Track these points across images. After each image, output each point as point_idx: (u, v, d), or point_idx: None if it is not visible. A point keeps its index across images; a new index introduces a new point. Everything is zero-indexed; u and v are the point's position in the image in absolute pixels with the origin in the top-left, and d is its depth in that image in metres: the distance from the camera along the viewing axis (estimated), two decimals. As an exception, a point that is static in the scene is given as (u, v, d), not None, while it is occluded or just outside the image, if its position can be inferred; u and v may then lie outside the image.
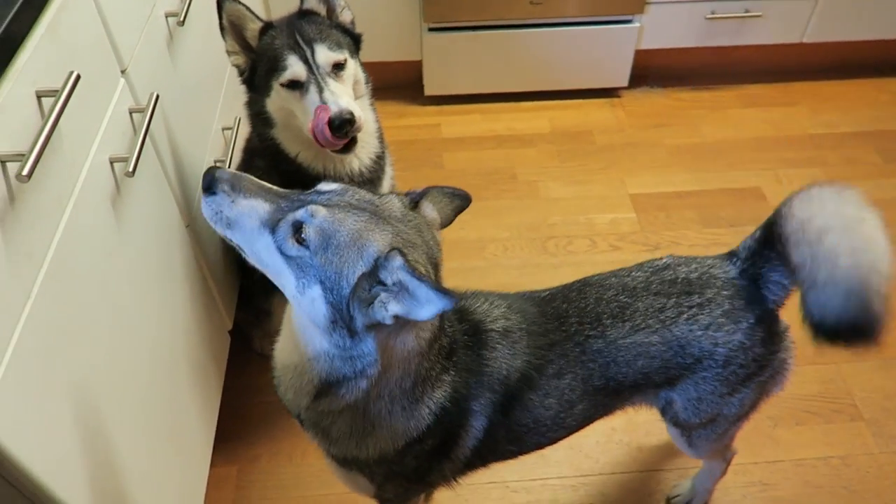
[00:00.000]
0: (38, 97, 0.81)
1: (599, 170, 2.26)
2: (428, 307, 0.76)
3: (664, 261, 1.11)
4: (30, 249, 0.79)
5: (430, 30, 2.28)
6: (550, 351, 1.04)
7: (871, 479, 1.54)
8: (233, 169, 1.50)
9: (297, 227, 0.80)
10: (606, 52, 2.38)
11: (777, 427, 1.62)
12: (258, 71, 1.20)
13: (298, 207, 0.82)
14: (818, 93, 2.54)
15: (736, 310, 1.04)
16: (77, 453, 0.87)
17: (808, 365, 1.73)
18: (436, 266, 0.87)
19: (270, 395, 1.66)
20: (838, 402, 1.66)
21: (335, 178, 1.28)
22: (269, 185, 0.88)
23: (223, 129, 1.57)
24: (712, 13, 2.32)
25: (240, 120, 1.64)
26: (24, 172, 0.72)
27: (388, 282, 0.78)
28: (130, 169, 0.98)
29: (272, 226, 0.82)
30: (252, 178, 0.88)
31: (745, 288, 1.05)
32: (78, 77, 0.83)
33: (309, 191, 0.87)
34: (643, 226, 2.08)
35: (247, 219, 0.84)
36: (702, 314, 1.03)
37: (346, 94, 1.15)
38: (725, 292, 1.05)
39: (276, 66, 1.15)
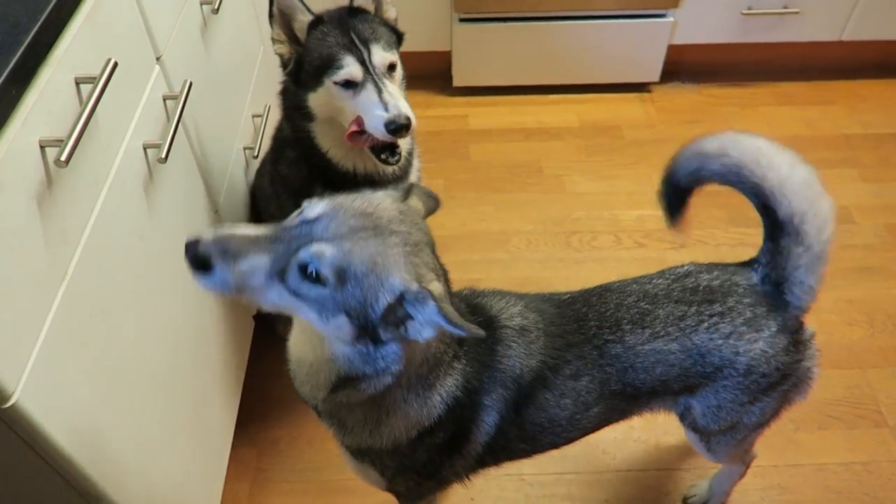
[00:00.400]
0: (77, 83, 0.83)
1: (627, 165, 2.24)
2: (458, 333, 0.79)
3: (686, 268, 1.10)
4: (65, 232, 0.81)
5: (461, 20, 2.27)
6: (568, 352, 1.04)
7: (894, 486, 1.52)
8: (259, 161, 1.53)
9: (304, 268, 0.78)
10: (638, 46, 2.36)
11: (799, 430, 1.60)
12: (305, 65, 1.19)
13: (297, 248, 0.78)
14: (856, 92, 2.49)
15: (758, 318, 1.03)
16: (104, 430, 0.90)
17: (832, 369, 1.71)
18: (433, 249, 0.87)
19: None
20: (863, 408, 1.64)
21: (365, 176, 1.29)
22: (255, 229, 0.82)
23: (253, 117, 1.59)
24: (749, 8, 2.27)
25: (269, 108, 1.66)
26: (63, 158, 0.74)
27: (420, 318, 0.79)
28: (163, 155, 1.00)
29: (280, 274, 0.79)
30: (234, 229, 0.82)
31: (768, 294, 1.05)
32: (115, 64, 0.85)
33: (297, 220, 0.82)
34: (669, 223, 2.06)
35: (252, 279, 0.80)
36: (723, 323, 1.03)
37: (402, 96, 1.16)
38: (747, 300, 1.04)
39: (331, 65, 1.15)
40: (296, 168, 1.33)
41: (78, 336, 0.83)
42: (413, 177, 1.39)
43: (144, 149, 1.01)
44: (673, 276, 1.09)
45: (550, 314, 1.07)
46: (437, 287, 0.80)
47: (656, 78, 2.45)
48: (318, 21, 1.20)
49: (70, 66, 0.82)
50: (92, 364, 0.86)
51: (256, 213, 1.58)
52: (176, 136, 1.05)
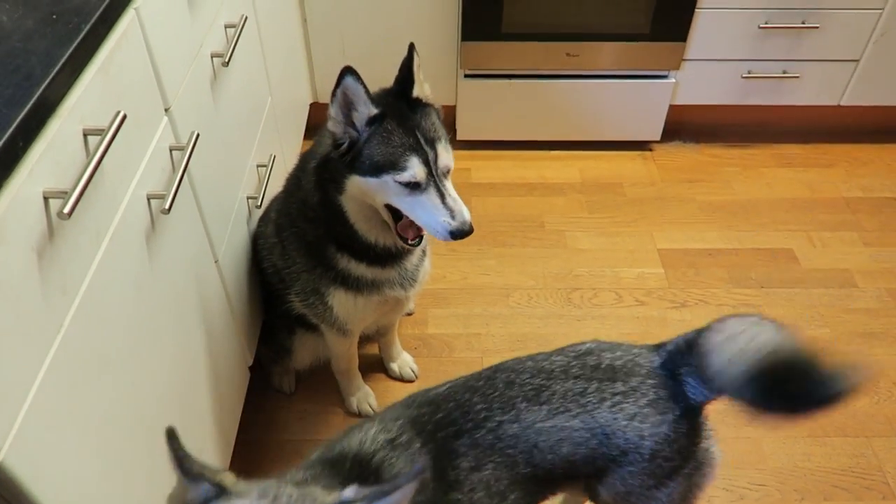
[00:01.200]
0: (85, 135, 0.83)
1: (629, 223, 2.25)
2: None
3: (587, 345, 1.09)
4: (64, 284, 0.80)
5: (466, 76, 2.31)
6: (457, 442, 0.98)
7: (903, 563, 1.47)
8: (265, 211, 1.52)
9: None
10: (640, 105, 2.39)
11: (804, 500, 1.56)
12: (363, 157, 1.16)
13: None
14: (856, 156, 2.52)
15: (661, 400, 1.01)
16: (93, 488, 0.87)
17: (837, 437, 1.68)
18: None
19: (286, 432, 1.67)
20: (869, 479, 1.60)
21: (384, 248, 1.28)
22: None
23: (258, 167, 1.59)
24: (749, 72, 2.32)
25: (274, 158, 1.67)
26: (66, 210, 0.73)
27: None
28: (167, 206, 0.99)
29: None
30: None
31: (669, 379, 1.04)
32: (124, 117, 0.85)
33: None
34: (671, 282, 2.05)
35: None
36: (626, 402, 1.01)
37: (459, 198, 1.17)
38: (650, 381, 1.03)
39: (395, 165, 1.14)
40: (312, 225, 1.32)
41: (70, 390, 0.81)
42: (425, 237, 1.39)
43: (148, 199, 1.01)
44: (573, 353, 1.07)
45: (419, 414, 1.01)
46: None
47: (657, 137, 2.49)
48: (381, 116, 1.16)
49: (79, 118, 0.82)
50: (83, 420, 0.84)
51: (257, 263, 1.57)
52: (180, 187, 1.05)
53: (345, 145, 1.19)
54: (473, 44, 2.22)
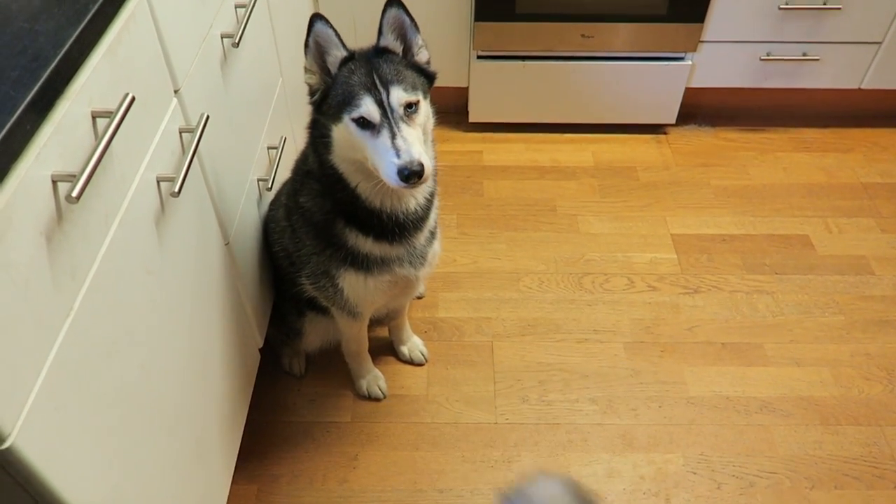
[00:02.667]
0: (94, 117, 0.83)
1: (641, 207, 2.22)
2: None
3: None
4: (74, 267, 0.79)
5: (479, 57, 2.28)
6: None
7: (914, 553, 1.46)
8: (277, 188, 1.51)
9: None
10: (655, 88, 2.36)
11: (815, 489, 1.55)
12: (330, 98, 1.19)
13: None
14: (875, 141, 2.47)
15: None
16: (103, 470, 0.87)
17: (850, 425, 1.66)
18: None
19: (296, 414, 1.68)
20: (881, 468, 1.59)
21: (390, 215, 1.27)
22: None
23: (268, 148, 1.58)
24: (768, 54, 2.27)
25: (285, 139, 1.65)
26: (74, 194, 0.72)
27: None
28: (176, 189, 0.99)
29: None
30: None
31: None
32: (133, 99, 0.84)
33: None
34: (684, 268, 2.03)
35: None
36: None
37: (418, 140, 1.15)
38: None
39: (350, 101, 1.15)
40: (319, 200, 1.32)
41: (80, 374, 0.81)
42: (433, 216, 1.38)
43: (158, 182, 1.00)
44: None
45: None
46: None
47: (672, 120, 2.45)
48: (349, 58, 1.20)
49: (87, 100, 0.82)
50: (93, 402, 0.84)
51: (268, 246, 1.57)
52: (190, 169, 1.04)
53: (319, 93, 1.21)
54: (487, 24, 2.19)
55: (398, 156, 1.11)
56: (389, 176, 1.13)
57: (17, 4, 0.83)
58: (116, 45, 0.88)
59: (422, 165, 1.11)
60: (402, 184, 1.12)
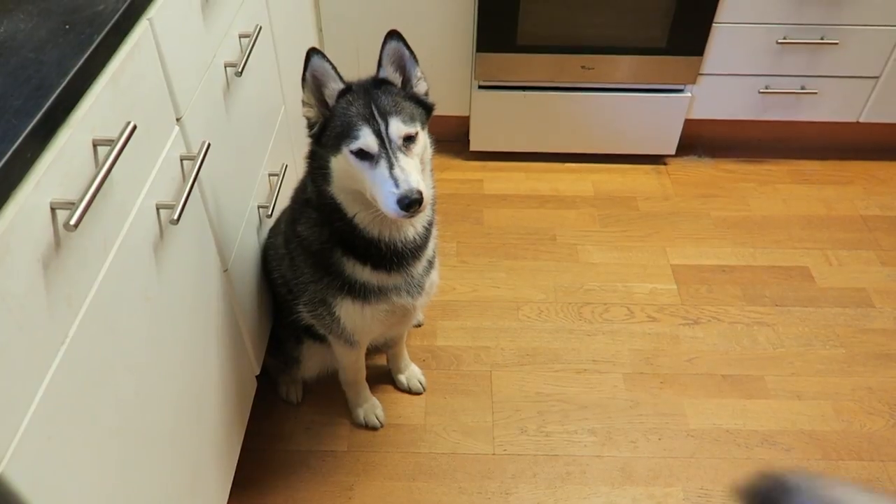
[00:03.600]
0: (95, 145, 0.83)
1: (641, 237, 2.23)
2: None
3: None
4: (70, 294, 0.79)
5: (481, 87, 2.31)
6: None
7: None
8: (277, 216, 1.51)
9: None
10: (655, 119, 2.38)
11: (817, 526, 1.52)
12: (329, 130, 1.20)
13: None
14: (874, 173, 2.48)
15: None
16: (96, 496, 0.86)
17: (852, 460, 1.64)
18: None
19: (292, 443, 1.67)
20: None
21: (388, 244, 1.28)
22: None
23: (269, 175, 1.59)
24: (766, 87, 2.29)
25: (286, 167, 1.67)
26: (73, 222, 0.73)
27: None
28: (176, 217, 0.99)
29: None
30: None
31: None
32: (134, 127, 0.85)
33: None
34: (683, 298, 2.03)
35: None
36: None
37: (416, 170, 1.16)
38: None
39: (349, 133, 1.16)
40: (317, 230, 1.32)
41: (73, 402, 0.80)
42: (431, 245, 1.38)
43: (157, 209, 1.01)
44: None
45: None
46: None
47: (672, 151, 2.46)
48: (346, 90, 1.21)
49: (89, 128, 0.82)
50: (86, 430, 0.83)
51: (266, 273, 1.57)
52: (190, 197, 1.04)
53: (317, 125, 1.22)
54: (488, 55, 2.22)
55: (397, 185, 1.12)
56: (388, 206, 1.13)
57: (22, 35, 0.84)
58: (120, 74, 0.89)
59: (420, 193, 1.12)
60: (402, 213, 1.12)
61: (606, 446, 1.67)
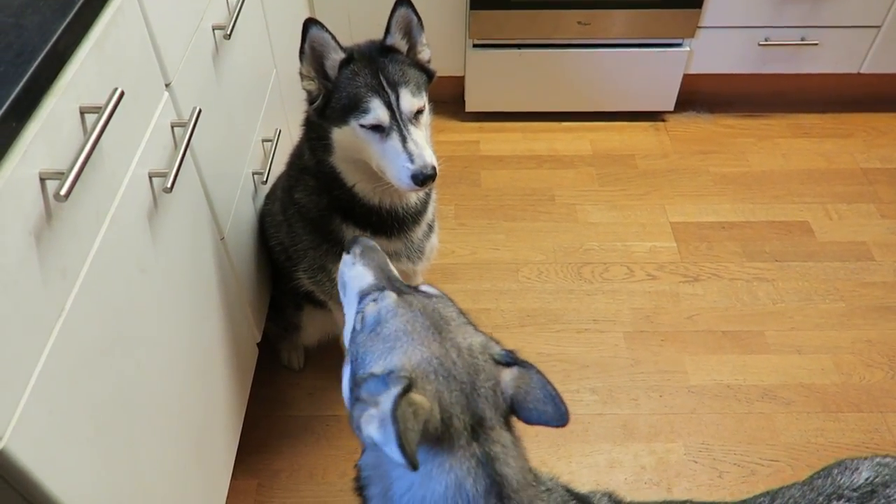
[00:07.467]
0: (82, 113, 0.81)
1: (640, 195, 2.21)
2: (394, 455, 0.65)
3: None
4: (64, 266, 0.78)
5: (475, 46, 2.26)
6: None
7: (916, 539, 1.46)
8: (272, 182, 1.51)
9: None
10: (653, 75, 2.33)
11: (816, 477, 1.55)
12: (332, 102, 1.17)
13: (391, 290, 0.85)
14: (874, 125, 2.45)
15: None
16: (100, 469, 0.86)
17: (851, 412, 1.66)
18: (474, 414, 0.76)
19: (295, 408, 1.68)
20: (883, 454, 1.58)
21: (389, 211, 1.26)
22: (390, 269, 0.94)
23: (263, 141, 1.56)
24: (766, 40, 2.25)
25: (280, 132, 1.64)
26: (62, 192, 0.71)
27: (380, 403, 0.69)
28: (169, 185, 0.97)
29: (362, 297, 0.88)
30: (380, 255, 0.97)
31: None
32: (122, 94, 0.83)
33: (416, 286, 0.90)
34: (683, 256, 2.02)
35: (353, 282, 0.93)
36: None
37: (427, 142, 1.14)
38: None
39: (358, 107, 1.13)
40: (315, 197, 1.30)
41: (73, 375, 0.80)
42: (431, 209, 1.37)
43: (150, 178, 0.99)
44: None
45: None
46: (421, 400, 0.70)
47: (671, 107, 2.43)
48: (349, 59, 1.17)
49: (75, 96, 0.80)
50: (88, 403, 0.83)
51: (264, 240, 1.55)
52: (183, 164, 1.02)
53: (320, 98, 1.18)
54: (482, 13, 2.16)
55: (412, 160, 1.11)
56: (402, 180, 1.12)
57: (0, -1, 0.81)
58: (104, 39, 0.87)
59: (435, 168, 1.11)
60: (415, 187, 1.12)
61: (608, 404, 1.68)
